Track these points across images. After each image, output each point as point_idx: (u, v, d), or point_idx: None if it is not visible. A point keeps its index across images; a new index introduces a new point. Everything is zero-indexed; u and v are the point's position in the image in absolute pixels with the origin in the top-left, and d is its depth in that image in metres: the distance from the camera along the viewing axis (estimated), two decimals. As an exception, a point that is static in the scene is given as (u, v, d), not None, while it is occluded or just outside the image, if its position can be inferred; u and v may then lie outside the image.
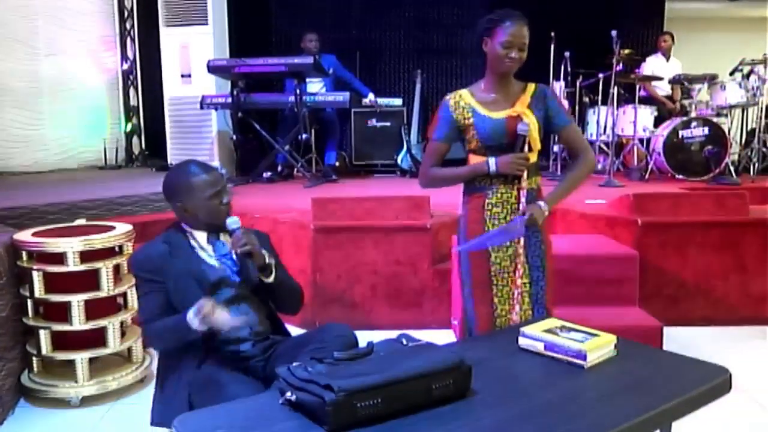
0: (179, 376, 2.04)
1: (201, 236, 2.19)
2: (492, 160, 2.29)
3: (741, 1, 7.51)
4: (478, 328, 2.42)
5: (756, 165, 6.03)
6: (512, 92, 2.36)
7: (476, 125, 2.33)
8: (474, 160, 2.39)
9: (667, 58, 6.86)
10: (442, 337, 3.46)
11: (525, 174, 2.31)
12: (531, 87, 2.39)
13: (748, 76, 5.86)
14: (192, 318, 1.92)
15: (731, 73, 6.02)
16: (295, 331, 2.35)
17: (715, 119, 5.83)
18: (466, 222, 2.41)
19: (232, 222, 2.14)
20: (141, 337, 3.12)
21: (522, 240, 2.34)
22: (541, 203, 2.31)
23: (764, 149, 6.10)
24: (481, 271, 2.39)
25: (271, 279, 2.16)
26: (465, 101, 2.37)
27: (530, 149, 2.31)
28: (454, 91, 2.42)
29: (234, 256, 2.18)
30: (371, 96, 6.64)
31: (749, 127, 6.76)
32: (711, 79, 6.00)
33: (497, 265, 2.37)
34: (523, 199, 2.32)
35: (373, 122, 6.88)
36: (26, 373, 3.06)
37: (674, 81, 6.49)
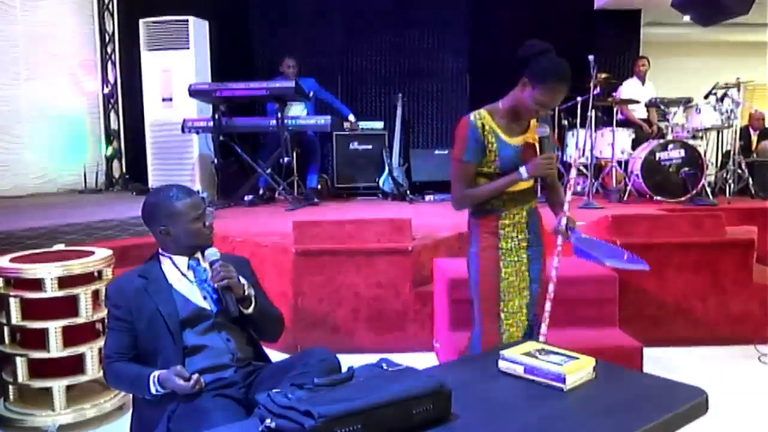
0: (158, 403, 2.01)
1: (181, 261, 2.17)
2: (522, 168, 2.34)
3: (714, 27, 7.70)
4: (485, 343, 2.42)
5: (731, 186, 6.14)
6: (525, 119, 2.44)
7: (499, 150, 2.36)
8: (482, 181, 2.41)
9: (643, 82, 6.99)
10: (425, 360, 3.46)
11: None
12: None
13: (722, 99, 5.98)
14: (154, 384, 1.94)
15: (706, 97, 6.13)
16: (276, 355, 2.33)
17: (691, 141, 5.93)
18: (479, 241, 2.46)
19: (211, 254, 2.13)
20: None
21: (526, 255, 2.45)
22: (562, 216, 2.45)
23: (739, 171, 6.22)
24: (489, 285, 2.42)
25: (250, 310, 2.14)
26: (488, 124, 2.37)
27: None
28: (476, 112, 2.40)
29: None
30: (351, 117, 6.68)
31: (724, 149, 6.89)
32: (686, 103, 6.11)
33: (506, 280, 2.41)
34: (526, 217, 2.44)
35: (354, 145, 6.92)
36: (2, 402, 3.00)
37: (650, 104, 6.61)
